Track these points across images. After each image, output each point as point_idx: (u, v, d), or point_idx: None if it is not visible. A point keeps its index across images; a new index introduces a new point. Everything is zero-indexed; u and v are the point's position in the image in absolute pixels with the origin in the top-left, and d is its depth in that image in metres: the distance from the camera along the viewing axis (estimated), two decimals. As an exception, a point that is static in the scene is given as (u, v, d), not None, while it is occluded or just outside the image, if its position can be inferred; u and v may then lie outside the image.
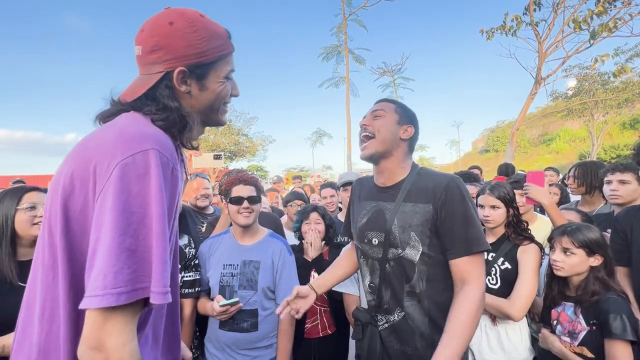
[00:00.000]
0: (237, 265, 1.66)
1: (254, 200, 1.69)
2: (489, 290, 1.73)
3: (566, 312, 1.51)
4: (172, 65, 0.77)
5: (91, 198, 0.66)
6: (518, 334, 1.70)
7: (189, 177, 2.60)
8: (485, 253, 1.80)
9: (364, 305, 1.35)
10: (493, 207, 1.78)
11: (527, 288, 1.61)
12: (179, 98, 0.80)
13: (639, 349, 1.34)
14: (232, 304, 1.54)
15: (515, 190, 2.02)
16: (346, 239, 1.66)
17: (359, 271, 1.38)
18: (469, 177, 3.27)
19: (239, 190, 1.70)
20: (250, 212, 1.69)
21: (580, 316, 1.45)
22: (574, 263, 1.47)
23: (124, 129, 0.70)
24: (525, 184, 1.93)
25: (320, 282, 1.43)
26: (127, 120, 0.75)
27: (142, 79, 0.79)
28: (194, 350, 1.68)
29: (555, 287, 1.56)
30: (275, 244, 1.74)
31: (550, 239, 1.59)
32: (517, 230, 1.77)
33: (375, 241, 1.24)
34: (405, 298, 1.18)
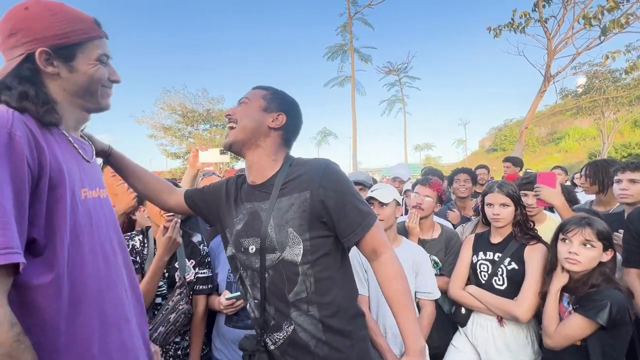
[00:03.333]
0: None
1: None
2: (496, 291, 1.72)
3: (562, 302, 1.50)
4: (32, 47, 0.79)
5: None
6: (525, 336, 1.69)
7: (202, 175, 2.65)
8: (492, 253, 1.78)
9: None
10: (503, 205, 1.76)
11: (534, 289, 1.60)
12: (46, 80, 0.82)
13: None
14: (237, 298, 1.56)
15: (526, 192, 2.01)
16: None
17: (238, 280, 1.18)
18: (456, 171, 3.34)
19: None
20: None
21: (570, 305, 1.44)
22: (593, 256, 1.41)
23: None
24: (536, 185, 1.91)
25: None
26: None
27: (5, 65, 0.81)
28: (204, 347, 1.69)
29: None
30: None
31: (561, 229, 1.51)
32: (524, 229, 1.75)
33: (252, 249, 1.07)
34: (291, 310, 1.03)
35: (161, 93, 20.35)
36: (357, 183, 2.53)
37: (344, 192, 1.04)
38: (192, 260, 1.66)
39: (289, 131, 1.15)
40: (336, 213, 1.02)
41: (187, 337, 1.63)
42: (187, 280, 1.61)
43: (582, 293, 1.41)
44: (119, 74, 0.95)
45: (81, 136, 0.99)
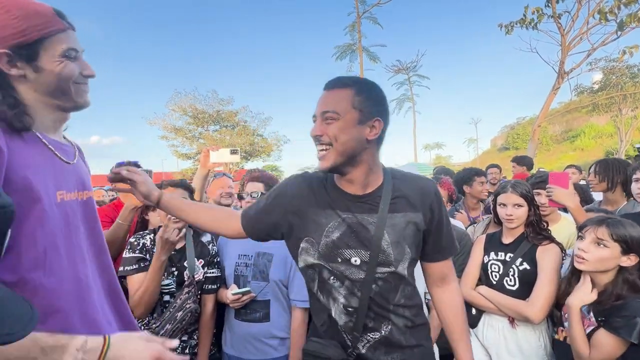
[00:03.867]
0: (251, 256, 1.70)
1: (255, 196, 1.72)
2: (507, 291, 1.69)
3: (582, 308, 1.42)
4: None
5: None
6: (538, 338, 1.66)
7: (214, 175, 2.69)
8: (503, 253, 1.76)
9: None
10: (516, 205, 1.73)
11: (547, 289, 1.56)
12: (14, 83, 0.78)
13: None
14: (243, 293, 1.58)
15: (539, 190, 1.97)
16: None
17: (317, 290, 1.13)
18: (475, 172, 3.20)
19: (247, 187, 1.74)
20: None
21: (592, 312, 1.38)
22: (603, 257, 1.33)
23: None
24: (547, 186, 1.87)
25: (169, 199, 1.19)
26: None
27: None
28: (212, 347, 1.72)
29: (575, 284, 1.44)
30: None
31: (580, 228, 1.46)
32: (536, 229, 1.72)
33: (356, 261, 1.04)
34: (391, 314, 1.08)
35: (172, 95, 20.76)
36: None
37: (443, 217, 1.12)
38: (201, 260, 1.68)
39: (384, 133, 1.05)
40: (434, 234, 1.11)
41: (195, 336, 1.65)
42: (196, 279, 1.62)
43: (607, 305, 1.32)
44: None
45: (64, 137, 0.95)
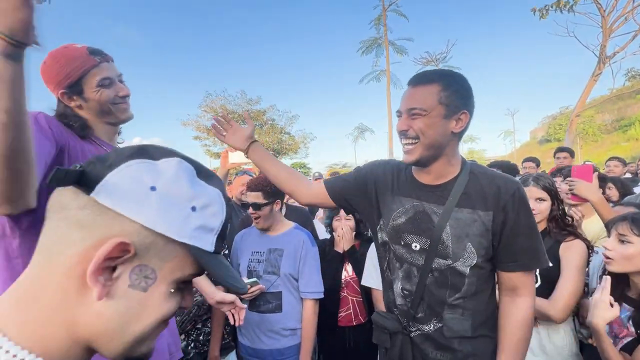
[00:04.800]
0: (264, 252, 1.77)
1: (256, 206, 1.72)
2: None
3: (620, 314, 1.32)
4: (56, 91, 1.01)
5: None
6: (562, 337, 1.58)
7: (236, 173, 2.84)
8: None
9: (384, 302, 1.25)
10: (539, 199, 1.64)
11: (570, 287, 1.48)
12: (75, 110, 1.04)
13: None
14: (251, 284, 1.64)
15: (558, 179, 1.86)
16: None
17: (386, 267, 1.21)
18: (507, 167, 3.05)
19: (248, 198, 1.76)
20: (257, 218, 1.74)
21: (631, 321, 1.28)
22: (628, 254, 1.24)
23: None
24: (570, 179, 1.76)
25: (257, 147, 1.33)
26: None
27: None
28: (226, 335, 1.79)
29: (615, 285, 1.31)
30: (299, 235, 1.81)
31: (607, 225, 1.39)
32: (560, 225, 1.63)
33: (416, 247, 1.08)
34: (446, 310, 1.06)
35: (204, 97, 21.62)
36: None
37: (521, 223, 1.01)
38: None
39: (469, 124, 1.04)
40: (505, 238, 1.01)
41: (208, 324, 1.73)
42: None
43: None
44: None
45: (118, 142, 1.21)
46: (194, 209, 0.42)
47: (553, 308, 1.49)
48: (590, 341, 1.49)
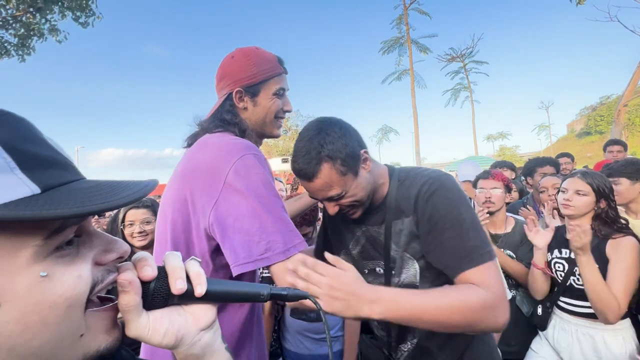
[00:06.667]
0: None
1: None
2: (576, 291, 1.55)
3: None
4: (232, 87, 0.97)
5: (191, 216, 0.86)
6: (619, 341, 1.48)
7: None
8: (567, 250, 1.60)
9: None
10: (578, 192, 1.57)
11: (621, 286, 1.39)
12: (239, 113, 1.00)
13: None
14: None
15: (617, 179, 1.78)
16: None
17: None
18: (538, 162, 2.87)
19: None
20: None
21: None
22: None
23: (220, 146, 0.89)
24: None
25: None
26: (216, 139, 0.93)
27: (216, 103, 1.01)
28: (273, 342, 1.84)
29: None
30: None
31: None
32: (607, 222, 1.53)
33: (379, 270, 1.05)
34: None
35: (230, 106, 22.26)
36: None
37: (440, 218, 0.89)
38: None
39: (367, 153, 1.00)
40: (430, 243, 0.91)
41: None
42: (257, 281, 1.77)
43: None
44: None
45: None
46: None
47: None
48: None
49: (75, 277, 0.32)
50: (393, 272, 1.01)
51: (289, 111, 1.07)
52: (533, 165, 2.88)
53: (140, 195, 0.35)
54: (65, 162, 0.35)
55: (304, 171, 0.91)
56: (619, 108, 8.81)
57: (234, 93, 0.97)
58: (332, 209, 0.97)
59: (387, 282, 1.03)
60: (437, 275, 0.93)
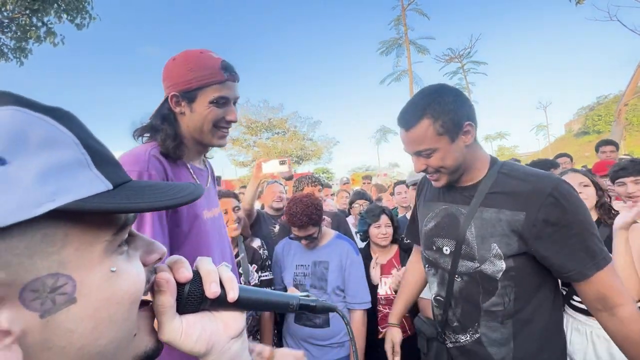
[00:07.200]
0: (308, 265, 1.75)
1: (312, 238, 1.74)
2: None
3: None
4: (170, 91, 0.96)
5: None
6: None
7: (267, 182, 2.87)
8: None
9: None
10: (582, 184, 1.60)
11: (629, 272, 1.35)
12: (176, 118, 0.99)
13: None
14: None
15: (623, 180, 1.79)
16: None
17: (429, 274, 1.24)
18: (550, 165, 2.86)
19: (297, 232, 1.74)
20: (311, 243, 1.76)
21: None
22: None
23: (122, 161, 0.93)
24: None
25: (395, 313, 1.39)
26: (128, 152, 0.93)
27: (158, 106, 1.01)
28: (274, 346, 1.80)
29: None
30: (342, 245, 1.78)
31: None
32: (609, 211, 1.56)
33: (446, 250, 1.07)
34: (482, 318, 1.00)
35: (228, 108, 22.19)
36: (417, 182, 2.44)
37: (567, 223, 0.89)
38: (254, 265, 1.78)
39: (477, 126, 1.02)
40: (551, 246, 0.90)
41: (258, 337, 1.74)
42: (252, 284, 1.72)
43: None
44: None
45: (203, 160, 1.14)
46: (2, 162, 0.25)
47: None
48: None
49: (136, 274, 0.33)
50: (462, 253, 1.02)
51: (232, 121, 1.03)
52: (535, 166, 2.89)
53: (201, 192, 0.36)
54: (117, 161, 0.35)
55: (405, 119, 1.00)
56: (619, 107, 8.80)
57: (169, 97, 0.97)
58: (419, 165, 1.03)
59: (454, 264, 1.04)
60: (520, 278, 0.95)
